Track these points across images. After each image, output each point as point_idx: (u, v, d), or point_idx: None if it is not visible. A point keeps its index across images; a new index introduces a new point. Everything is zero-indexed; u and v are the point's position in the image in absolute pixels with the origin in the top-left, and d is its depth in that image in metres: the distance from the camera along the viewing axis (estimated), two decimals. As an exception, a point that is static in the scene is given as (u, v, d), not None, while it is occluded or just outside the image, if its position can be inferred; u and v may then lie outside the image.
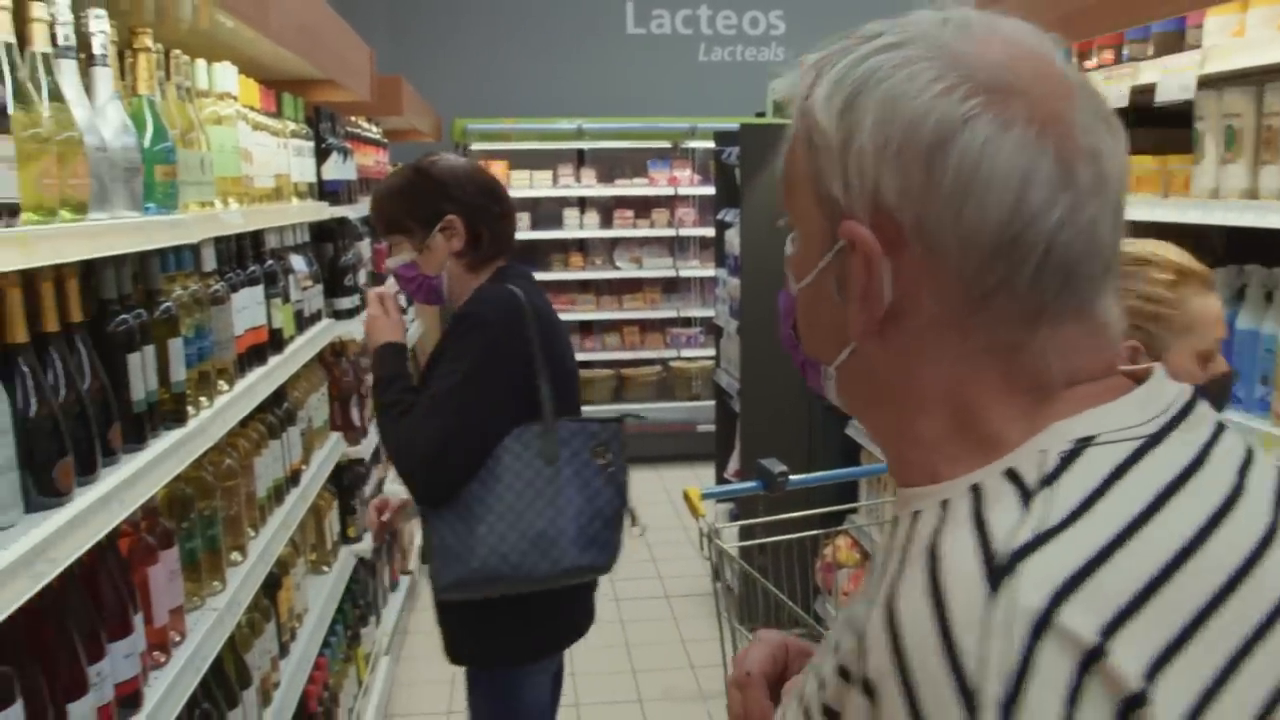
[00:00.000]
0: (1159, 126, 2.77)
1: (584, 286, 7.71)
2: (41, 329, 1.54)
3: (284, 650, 2.82)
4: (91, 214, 1.64)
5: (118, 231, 1.62)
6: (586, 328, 7.62)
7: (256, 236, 2.80)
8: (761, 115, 6.22)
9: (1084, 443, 0.67)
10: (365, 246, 4.46)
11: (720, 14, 8.90)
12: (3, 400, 1.40)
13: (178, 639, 1.97)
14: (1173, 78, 2.34)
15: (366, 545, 3.80)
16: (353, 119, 4.55)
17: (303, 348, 3.06)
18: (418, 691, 4.17)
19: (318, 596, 3.22)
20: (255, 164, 2.66)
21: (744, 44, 8.95)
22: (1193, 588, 0.62)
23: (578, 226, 7.57)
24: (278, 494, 2.79)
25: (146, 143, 1.92)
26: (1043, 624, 0.57)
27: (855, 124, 0.69)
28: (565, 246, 7.71)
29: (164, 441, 1.88)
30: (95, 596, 1.65)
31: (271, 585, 2.73)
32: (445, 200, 2.38)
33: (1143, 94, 2.48)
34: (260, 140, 2.73)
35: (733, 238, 4.66)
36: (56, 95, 1.57)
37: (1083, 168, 0.67)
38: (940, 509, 0.68)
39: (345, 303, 3.81)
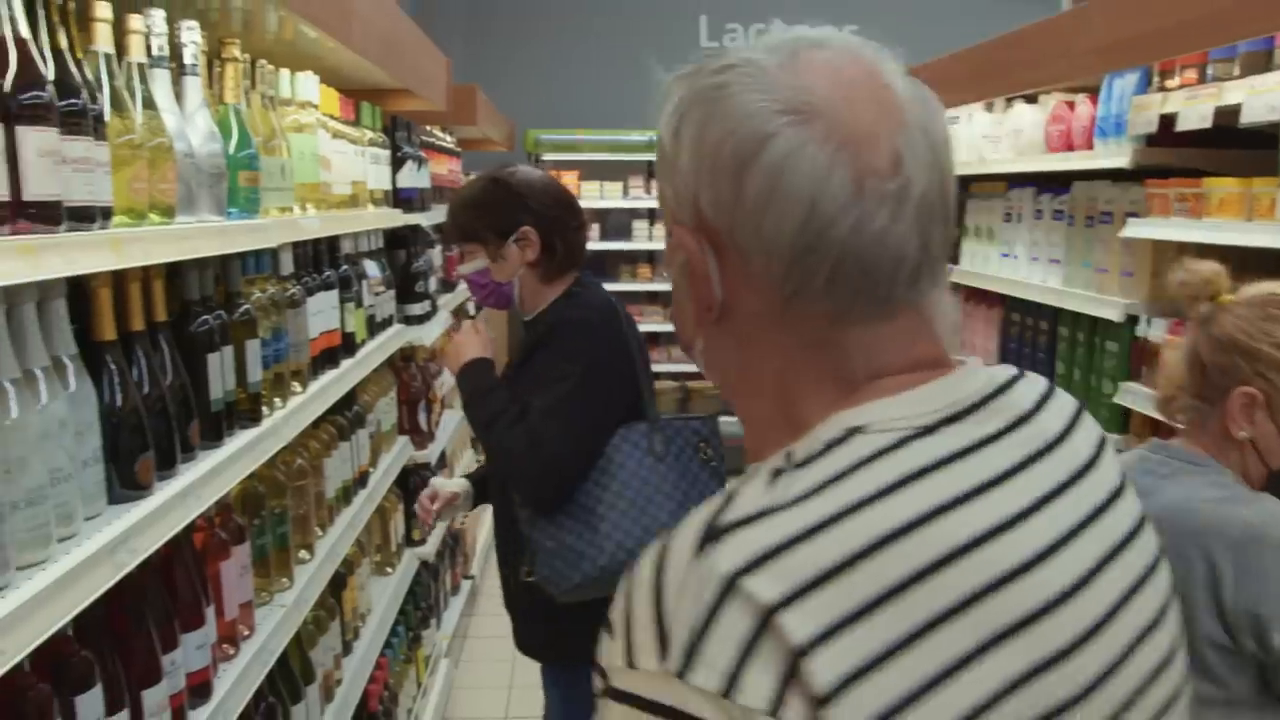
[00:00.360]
0: (1244, 148, 2.71)
1: (652, 298, 7.73)
2: (128, 327, 1.60)
3: (347, 649, 2.87)
4: (178, 218, 1.69)
5: (203, 235, 1.67)
6: (654, 339, 7.62)
7: (332, 242, 2.86)
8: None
9: (853, 431, 0.73)
10: (436, 254, 4.53)
11: (794, 28, 8.88)
12: (91, 395, 1.45)
13: (246, 633, 2.02)
14: (1260, 98, 2.29)
15: (430, 548, 3.85)
16: (428, 127, 4.63)
17: (374, 352, 3.12)
18: (476, 696, 4.22)
19: (381, 597, 3.27)
20: (333, 171, 2.72)
21: (817, 58, 8.91)
22: (895, 566, 0.66)
23: (647, 238, 7.61)
24: (346, 495, 2.84)
25: (231, 149, 1.98)
26: (729, 587, 0.65)
27: (681, 142, 0.77)
28: (634, 258, 7.75)
29: (239, 440, 1.93)
30: (170, 588, 1.70)
31: (337, 584, 2.78)
32: (522, 212, 2.41)
33: (1227, 115, 2.43)
34: (339, 148, 2.80)
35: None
36: (149, 103, 1.63)
37: (876, 183, 0.72)
38: None
39: (416, 309, 3.87)
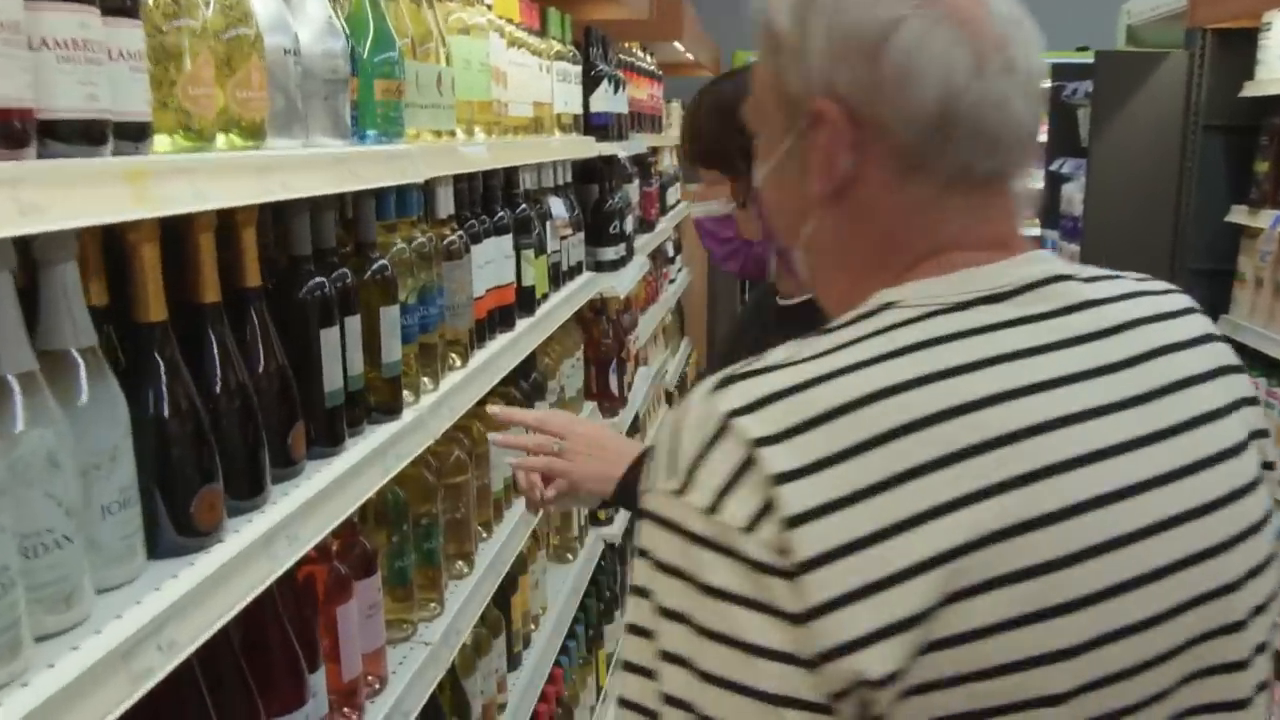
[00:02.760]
0: None
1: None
2: (199, 299, 1.12)
3: (515, 662, 2.41)
4: (274, 140, 1.20)
5: (298, 166, 1.16)
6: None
7: (509, 175, 2.35)
8: (1084, 49, 5.24)
9: (886, 305, 0.80)
10: (634, 189, 3.99)
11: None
12: (116, 403, 0.97)
13: (376, 686, 1.56)
14: None
15: (617, 528, 3.36)
16: (625, 44, 4.07)
17: (558, 307, 2.61)
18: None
19: (559, 591, 2.81)
20: (510, 87, 2.20)
21: (1068, -32, 7.79)
22: (886, 417, 0.71)
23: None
24: (517, 484, 2.36)
25: (365, 51, 1.47)
26: (724, 425, 0.73)
27: (807, 28, 0.82)
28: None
29: (367, 442, 1.45)
30: (256, 654, 1.24)
31: (506, 589, 2.32)
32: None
33: None
34: (518, 59, 2.27)
35: (1072, 193, 3.82)
36: (229, -26, 1.12)
37: (994, 55, 0.79)
38: None
39: (609, 253, 3.34)
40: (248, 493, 1.17)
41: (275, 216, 1.35)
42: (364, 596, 1.49)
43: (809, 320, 1.59)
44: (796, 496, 0.69)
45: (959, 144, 0.79)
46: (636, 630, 0.76)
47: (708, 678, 0.71)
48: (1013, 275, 0.80)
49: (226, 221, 1.17)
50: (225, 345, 1.14)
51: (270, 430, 1.22)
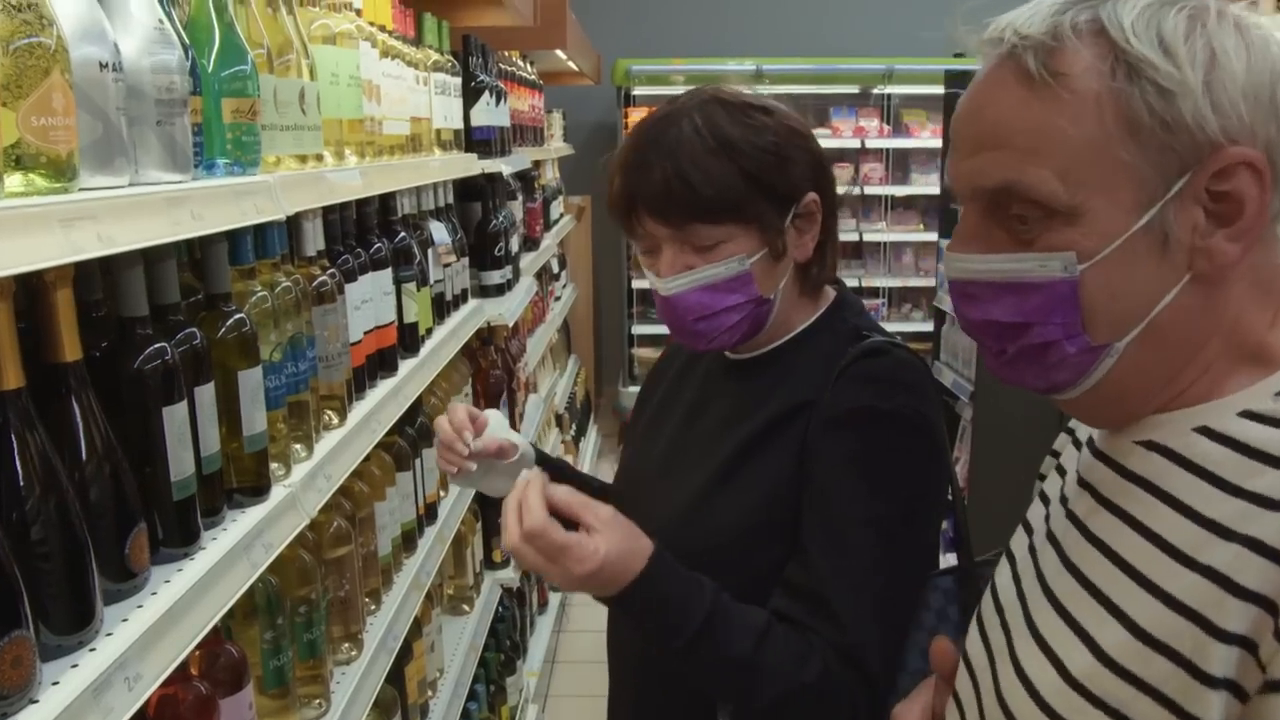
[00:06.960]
0: None
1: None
2: (-8, 384, 0.87)
3: (413, 739, 2.17)
4: (90, 179, 0.95)
5: (123, 211, 0.91)
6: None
7: (385, 200, 2.11)
8: (960, 56, 5.26)
9: None
10: (517, 207, 3.76)
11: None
12: None
13: (250, 818, 1.31)
14: None
15: (514, 572, 3.14)
16: (504, 53, 3.84)
17: (444, 343, 2.38)
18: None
19: (456, 649, 2.57)
20: (384, 103, 1.96)
21: (938, -25, 7.89)
22: None
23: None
24: (408, 542, 2.13)
25: (210, 64, 1.23)
26: None
27: (1218, 75, 0.76)
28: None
29: (229, 534, 1.20)
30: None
31: (399, 660, 2.07)
32: (808, 168, 1.33)
33: None
34: (392, 71, 2.03)
35: (967, 202, 3.77)
36: (22, -31, 0.87)
37: None
38: (1257, 420, 0.77)
39: (495, 277, 3.12)
40: (69, 628, 0.92)
41: (105, 267, 1.10)
42: (233, 717, 1.25)
43: (762, 373, 1.38)
44: None
45: None
46: None
47: None
48: None
49: (32, 283, 0.92)
50: (29, 441, 0.89)
51: (100, 541, 0.97)
